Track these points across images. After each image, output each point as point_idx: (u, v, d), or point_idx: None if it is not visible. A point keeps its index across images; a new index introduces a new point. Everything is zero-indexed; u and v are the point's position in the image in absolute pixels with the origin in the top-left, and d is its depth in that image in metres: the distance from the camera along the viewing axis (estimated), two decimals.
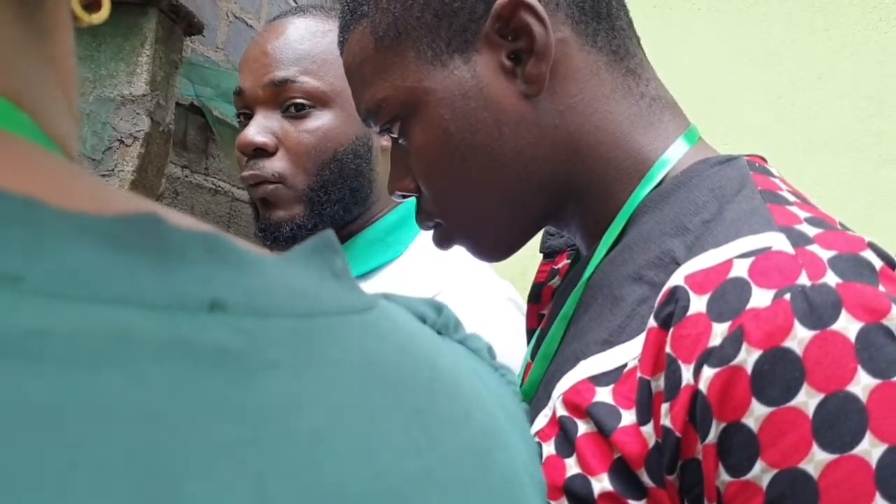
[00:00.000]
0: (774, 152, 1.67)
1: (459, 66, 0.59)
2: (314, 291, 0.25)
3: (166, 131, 1.74)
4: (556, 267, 0.75)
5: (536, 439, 0.54)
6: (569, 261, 0.74)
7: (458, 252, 0.96)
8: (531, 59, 0.58)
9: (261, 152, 0.97)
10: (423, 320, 0.32)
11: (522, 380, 0.66)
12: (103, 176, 1.76)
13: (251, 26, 3.63)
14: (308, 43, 0.98)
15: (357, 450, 0.22)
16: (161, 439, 0.18)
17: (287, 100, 0.97)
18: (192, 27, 1.69)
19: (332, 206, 0.98)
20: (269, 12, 3.74)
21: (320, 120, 0.97)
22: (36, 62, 0.26)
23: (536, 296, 0.74)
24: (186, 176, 2.95)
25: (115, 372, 0.18)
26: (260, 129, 0.97)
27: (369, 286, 0.96)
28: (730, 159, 0.58)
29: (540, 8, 0.57)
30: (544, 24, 0.57)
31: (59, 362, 0.17)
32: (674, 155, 0.59)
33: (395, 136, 0.63)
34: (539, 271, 0.76)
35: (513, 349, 0.88)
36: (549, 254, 0.76)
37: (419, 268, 0.96)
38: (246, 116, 1.02)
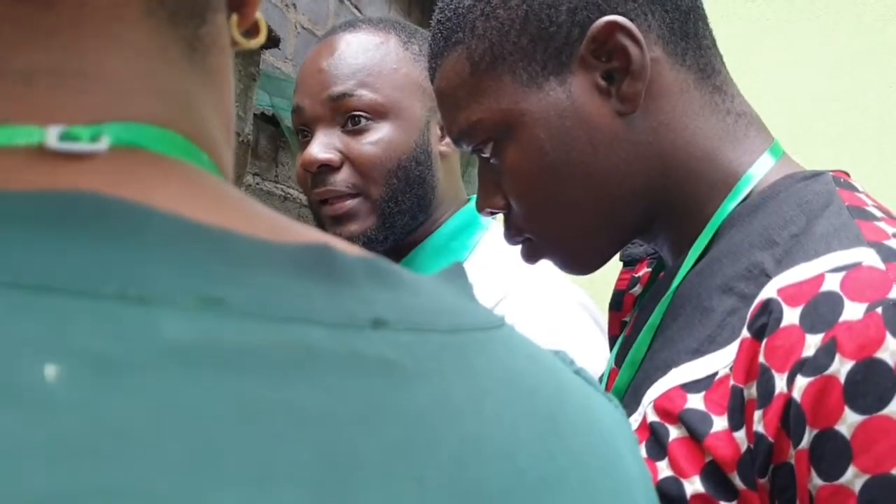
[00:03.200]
0: (844, 162, 1.66)
1: (555, 87, 0.62)
2: (459, 309, 0.28)
3: (245, 142, 1.81)
4: (636, 275, 0.77)
5: None
6: (649, 269, 0.76)
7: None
8: (626, 78, 0.60)
9: (326, 169, 0.99)
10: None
11: (607, 385, 0.69)
12: None
13: (318, 37, 3.71)
14: (362, 57, 1.00)
15: (500, 451, 0.25)
16: (341, 439, 0.21)
17: (346, 113, 0.99)
18: (269, 40, 1.75)
19: (402, 216, 1.00)
20: (335, 22, 3.82)
21: (381, 132, 0.99)
22: (206, 101, 0.29)
23: (618, 303, 0.76)
24: (258, 183, 3.03)
25: (304, 380, 0.21)
26: (323, 147, 0.99)
27: None
28: (816, 175, 0.59)
29: (635, 30, 0.59)
30: (640, 45, 0.59)
31: (258, 371, 0.21)
32: (760, 169, 0.61)
33: (486, 155, 0.66)
34: (619, 279, 0.78)
35: (585, 353, 0.89)
36: (629, 262, 0.78)
37: (484, 272, 0.97)
38: (304, 134, 1.04)
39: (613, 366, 0.70)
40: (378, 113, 0.99)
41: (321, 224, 1.04)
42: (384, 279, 0.26)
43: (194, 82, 0.28)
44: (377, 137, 0.98)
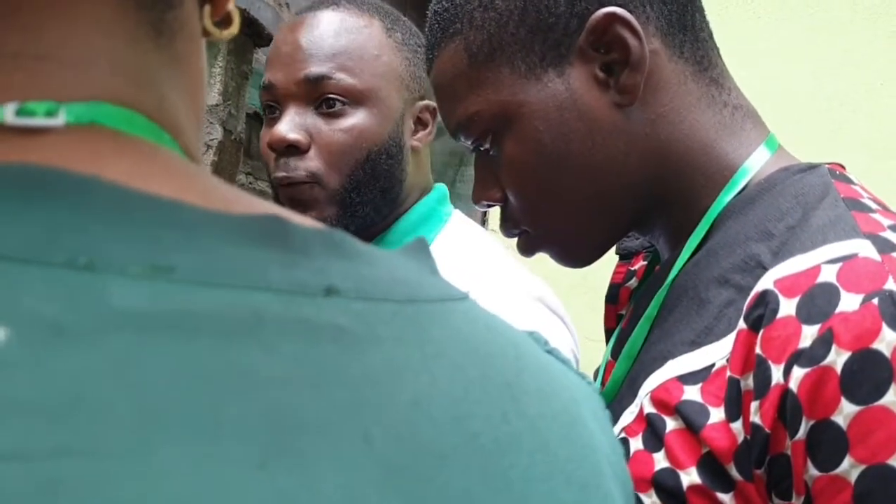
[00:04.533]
0: (836, 159, 1.66)
1: (553, 78, 0.62)
2: (416, 281, 0.28)
3: (238, 140, 1.81)
4: (632, 268, 0.77)
5: (623, 434, 0.57)
6: (645, 262, 0.76)
7: (484, 250, 0.97)
8: (625, 70, 0.60)
9: (293, 150, 0.93)
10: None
11: (604, 377, 0.69)
12: None
13: None
14: (345, 38, 0.94)
15: (452, 414, 0.25)
16: (289, 399, 0.22)
17: (321, 96, 0.93)
18: (262, 39, 1.75)
19: (363, 207, 0.96)
20: None
21: (354, 118, 0.94)
22: (173, 83, 0.29)
23: (614, 297, 0.76)
24: (251, 182, 3.02)
25: (252, 344, 0.22)
26: (293, 126, 0.93)
27: None
28: (812, 167, 0.60)
29: (634, 21, 0.59)
30: (639, 37, 0.60)
31: (208, 335, 0.21)
32: (756, 162, 0.61)
33: (485, 148, 0.66)
34: (615, 272, 0.78)
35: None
36: (624, 255, 0.78)
37: (442, 267, 0.96)
38: (272, 110, 0.98)
39: (610, 358, 0.70)
40: (355, 99, 0.94)
41: (281, 206, 1.00)
42: (339, 250, 0.26)
43: (160, 65, 0.28)
44: (350, 124, 0.94)
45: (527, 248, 0.69)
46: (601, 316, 0.78)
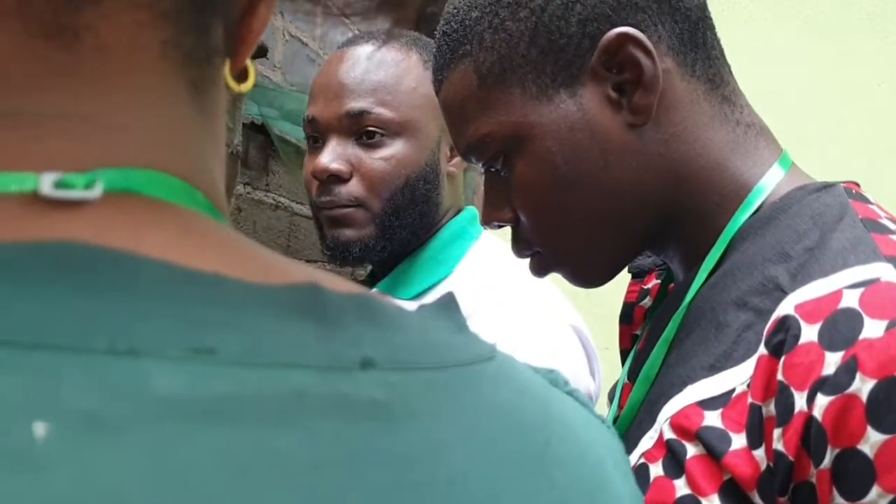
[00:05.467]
0: (834, 160, 1.66)
1: (565, 99, 0.61)
2: (446, 343, 0.28)
3: (235, 153, 1.80)
4: (645, 287, 0.76)
5: (642, 460, 0.56)
6: (658, 281, 0.75)
7: (511, 269, 0.98)
8: (638, 90, 0.60)
9: (335, 179, 1.00)
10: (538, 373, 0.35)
11: (621, 400, 0.68)
12: None
13: (306, 44, 3.70)
14: (382, 73, 1.01)
15: (487, 491, 0.25)
16: (330, 485, 0.21)
17: (362, 129, 1.00)
18: (257, 50, 1.74)
19: (402, 230, 1.01)
20: (323, 30, 3.81)
21: (393, 148, 1.00)
22: (204, 139, 0.29)
23: (628, 316, 0.76)
24: (248, 192, 3.01)
25: (294, 428, 0.22)
26: (335, 157, 1.00)
27: None
28: (827, 186, 0.59)
29: (647, 41, 0.59)
30: (651, 57, 0.59)
31: (249, 421, 0.21)
32: (771, 181, 0.61)
33: (496, 169, 0.65)
34: (629, 291, 0.78)
35: (553, 362, 0.88)
36: (637, 274, 0.78)
37: (463, 288, 0.98)
38: (315, 140, 1.05)
39: (626, 380, 0.69)
40: (393, 130, 1.00)
41: (320, 226, 1.04)
42: (372, 316, 0.26)
43: (195, 122, 0.29)
44: (389, 153, 1.00)
45: (539, 269, 0.68)
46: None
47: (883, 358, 0.45)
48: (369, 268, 1.14)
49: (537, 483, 0.27)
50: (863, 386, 0.45)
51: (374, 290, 1.05)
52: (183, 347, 0.21)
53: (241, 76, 0.33)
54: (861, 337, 0.46)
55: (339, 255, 1.02)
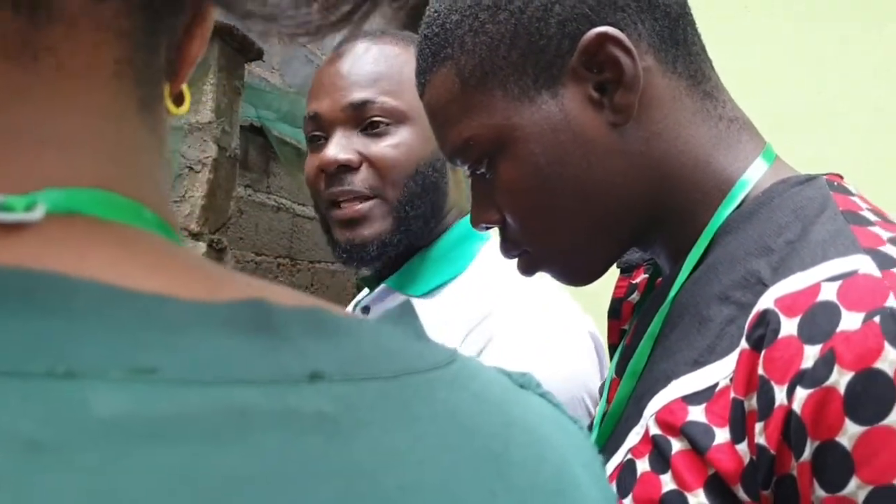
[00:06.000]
0: (832, 151, 1.65)
1: (547, 100, 0.61)
2: (401, 351, 0.28)
3: (233, 156, 1.80)
4: (633, 282, 0.77)
5: (629, 456, 0.57)
6: (646, 275, 0.76)
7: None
8: (619, 89, 0.60)
9: (344, 169, 0.98)
10: (504, 375, 0.35)
11: (609, 395, 0.69)
12: (175, 202, 1.84)
13: (305, 46, 3.70)
14: (383, 64, 1.00)
15: (441, 497, 0.25)
16: (274, 500, 0.21)
17: (366, 119, 0.98)
18: (253, 54, 1.75)
19: (417, 220, 0.99)
20: None
21: (399, 136, 0.99)
22: (153, 156, 0.30)
23: (616, 311, 0.76)
24: (250, 195, 3.02)
25: (239, 444, 0.21)
26: (342, 148, 0.98)
27: (434, 304, 0.98)
28: (809, 179, 0.59)
29: (626, 40, 0.59)
30: (631, 56, 0.59)
31: (192, 440, 0.21)
32: (753, 175, 0.61)
33: (481, 171, 0.66)
34: (617, 287, 0.78)
35: (572, 369, 0.89)
36: (625, 269, 0.78)
37: (477, 287, 0.97)
38: (317, 139, 1.03)
39: (615, 375, 0.70)
40: (398, 119, 0.99)
41: (328, 228, 1.02)
42: (322, 329, 0.26)
43: (144, 140, 0.29)
44: (397, 141, 0.98)
45: (527, 268, 0.69)
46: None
47: (860, 350, 0.46)
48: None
49: (493, 486, 0.27)
50: (840, 378, 0.46)
51: (382, 286, 1.04)
52: (123, 368, 0.21)
53: (178, 99, 0.34)
54: (838, 329, 0.47)
55: (354, 257, 1.00)
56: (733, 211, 0.60)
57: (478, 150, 0.64)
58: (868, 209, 0.56)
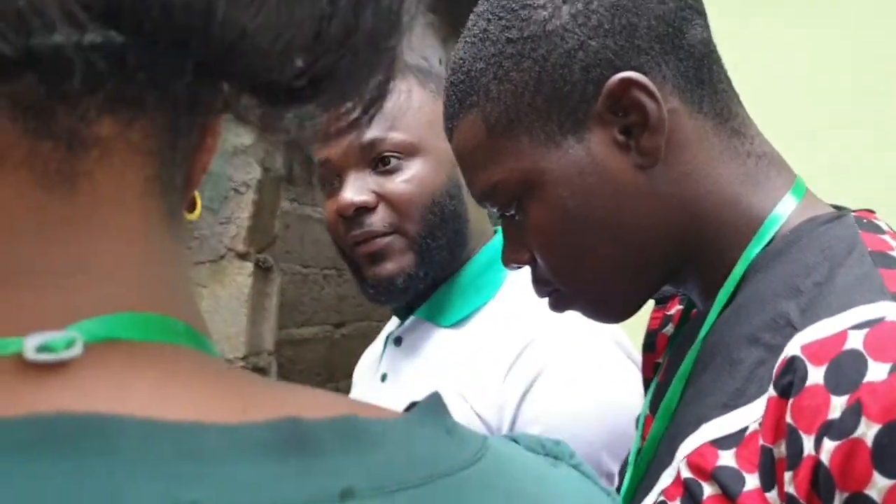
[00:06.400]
0: (864, 156, 1.61)
1: (573, 144, 0.62)
2: (430, 454, 0.29)
3: (277, 177, 1.84)
4: (668, 313, 0.77)
5: (662, 498, 0.57)
6: (681, 307, 0.76)
7: None
8: (645, 133, 0.60)
9: (361, 211, 0.98)
10: (537, 450, 0.36)
11: (643, 433, 0.69)
12: (221, 224, 1.89)
13: None
14: (389, 101, 1.00)
15: None
16: None
17: (378, 157, 0.99)
18: None
19: (440, 251, 1.00)
20: None
21: (412, 169, 0.99)
22: (178, 265, 0.31)
23: (651, 345, 0.76)
24: (295, 209, 3.07)
25: None
26: (357, 189, 0.98)
27: (465, 334, 0.99)
28: (839, 217, 0.59)
29: (650, 84, 0.59)
30: (656, 99, 0.60)
31: None
32: (783, 211, 0.61)
33: (510, 213, 0.67)
34: (652, 318, 0.78)
35: (617, 394, 0.89)
36: (660, 300, 0.78)
37: (511, 314, 0.97)
38: (331, 184, 1.03)
39: (648, 412, 0.70)
40: (408, 152, 0.99)
41: (356, 266, 1.03)
42: (353, 439, 0.27)
43: (169, 251, 0.30)
44: (410, 175, 0.99)
45: (558, 306, 0.69)
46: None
47: (886, 402, 0.45)
48: None
49: None
50: (868, 430, 0.45)
51: (413, 317, 1.05)
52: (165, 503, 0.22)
53: (191, 206, 0.35)
54: (865, 380, 0.46)
55: (383, 293, 1.00)
56: (763, 249, 0.60)
57: (506, 194, 0.65)
58: None
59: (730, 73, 0.66)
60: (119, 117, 0.26)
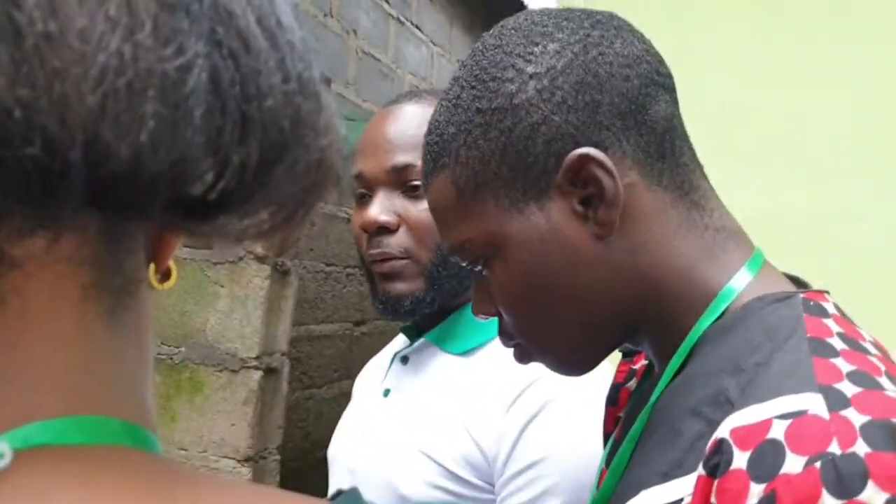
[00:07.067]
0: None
1: (535, 212, 0.65)
2: None
3: None
4: (633, 367, 0.79)
5: None
6: (646, 362, 0.78)
7: None
8: (601, 205, 0.63)
9: (384, 230, 1.04)
10: None
11: (598, 483, 0.71)
12: None
13: (379, 59, 3.78)
14: (425, 128, 1.05)
15: None
16: None
17: (407, 182, 1.04)
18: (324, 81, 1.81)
19: (449, 280, 1.04)
20: (395, 45, 3.88)
21: None
22: (124, 361, 0.33)
23: (613, 399, 0.78)
24: (321, 207, 3.10)
25: None
26: (383, 209, 1.04)
27: (472, 364, 1.03)
28: (787, 297, 0.60)
29: (607, 161, 0.62)
30: (612, 175, 0.62)
31: None
32: (737, 285, 0.63)
33: (478, 269, 0.69)
34: (618, 371, 0.80)
35: None
36: (627, 353, 0.80)
37: None
38: (363, 195, 1.10)
39: (604, 466, 0.72)
40: None
41: (372, 278, 1.09)
42: None
43: (114, 350, 0.32)
44: None
45: (521, 358, 0.72)
46: None
47: (799, 496, 0.47)
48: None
49: None
50: None
51: (422, 339, 1.09)
52: None
53: (165, 277, 0.37)
54: (781, 472, 0.48)
55: (390, 309, 1.06)
56: (714, 322, 0.62)
57: (473, 252, 0.68)
58: (839, 334, 0.57)
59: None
60: (43, 235, 0.28)
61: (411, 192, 1.04)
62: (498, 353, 1.01)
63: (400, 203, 1.05)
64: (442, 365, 1.06)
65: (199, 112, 0.28)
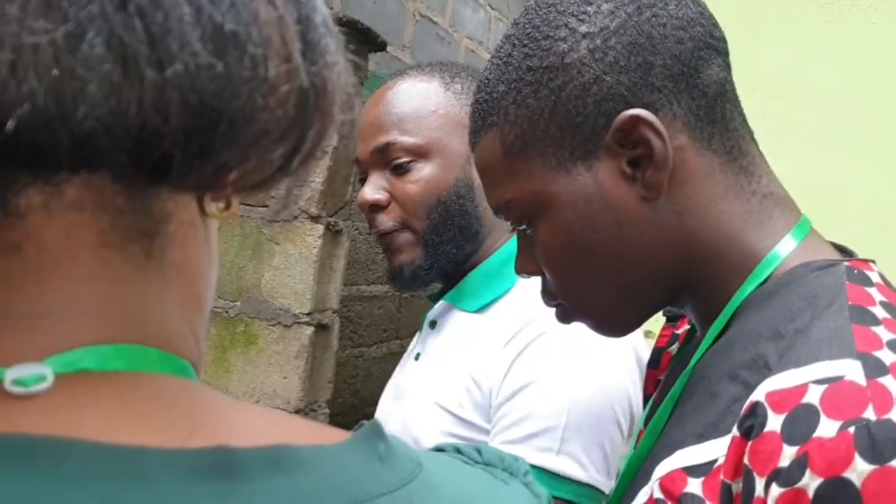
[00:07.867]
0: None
1: (582, 172, 0.65)
2: (358, 479, 0.32)
3: (349, 157, 1.90)
4: (676, 332, 0.80)
5: None
6: (689, 326, 0.78)
7: None
8: (650, 167, 0.63)
9: (376, 208, 1.10)
10: (495, 464, 0.40)
11: (637, 442, 0.73)
12: (297, 186, 1.97)
13: (436, 23, 3.76)
14: (404, 105, 1.09)
15: None
16: None
17: (392, 159, 1.09)
18: (375, 45, 1.82)
19: (445, 245, 1.09)
20: (453, 8, 3.86)
21: (422, 171, 1.08)
22: (165, 294, 0.34)
23: (655, 361, 0.79)
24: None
25: None
26: (373, 188, 1.10)
27: (486, 319, 1.06)
28: (831, 265, 0.60)
29: (657, 122, 0.62)
30: (662, 137, 0.62)
31: None
32: (782, 251, 0.63)
33: (523, 227, 0.71)
34: (661, 335, 0.81)
35: (605, 375, 0.93)
36: (671, 318, 0.81)
37: (524, 305, 1.03)
38: (361, 181, 1.16)
39: (643, 426, 0.73)
40: (419, 154, 1.08)
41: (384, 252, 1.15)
42: (282, 466, 0.31)
43: (150, 286, 0.34)
44: (418, 177, 1.08)
45: (563, 317, 0.73)
46: None
47: (831, 458, 0.48)
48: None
49: None
50: (811, 482, 0.48)
51: (442, 301, 1.14)
52: None
53: (226, 206, 0.38)
54: (815, 435, 0.49)
55: (398, 281, 1.12)
56: (757, 287, 0.62)
57: (518, 211, 0.69)
58: (882, 302, 0.57)
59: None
60: (40, 189, 0.30)
61: (397, 168, 1.08)
62: (508, 305, 1.05)
63: (388, 180, 1.10)
64: (458, 323, 1.10)
65: (93, 78, 0.27)
